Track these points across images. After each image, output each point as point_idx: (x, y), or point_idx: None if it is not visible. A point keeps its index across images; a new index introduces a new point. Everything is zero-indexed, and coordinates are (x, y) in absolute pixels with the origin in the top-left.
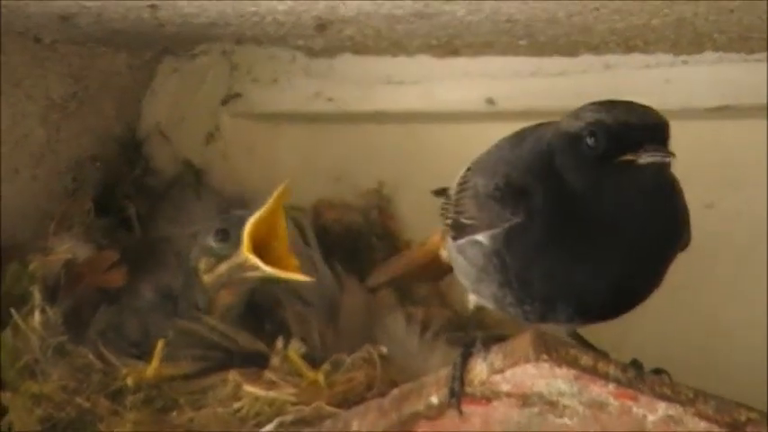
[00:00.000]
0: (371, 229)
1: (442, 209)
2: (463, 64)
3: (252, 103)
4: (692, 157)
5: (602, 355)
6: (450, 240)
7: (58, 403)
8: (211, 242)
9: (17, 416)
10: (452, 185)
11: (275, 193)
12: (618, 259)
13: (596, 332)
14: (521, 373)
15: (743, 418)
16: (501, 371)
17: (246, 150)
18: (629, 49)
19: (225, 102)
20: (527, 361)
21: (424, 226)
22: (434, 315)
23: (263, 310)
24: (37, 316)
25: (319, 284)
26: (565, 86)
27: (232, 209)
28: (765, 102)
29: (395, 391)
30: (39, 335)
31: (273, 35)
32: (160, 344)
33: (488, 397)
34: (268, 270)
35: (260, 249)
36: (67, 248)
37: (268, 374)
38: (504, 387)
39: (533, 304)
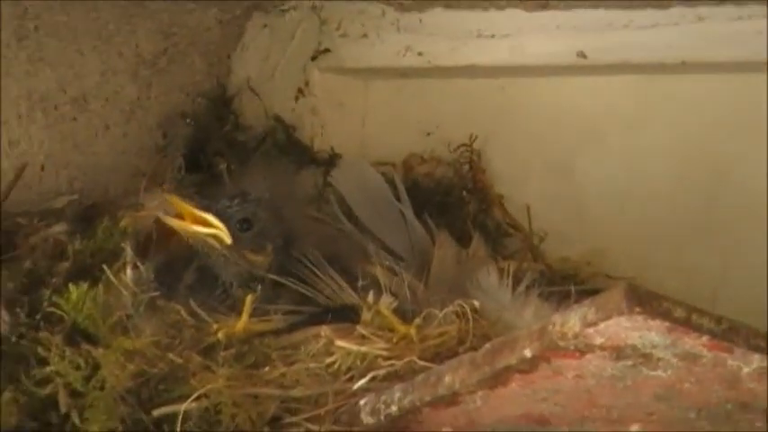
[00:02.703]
0: (462, 183)
1: None
2: (554, 17)
3: (341, 58)
4: None
5: (695, 307)
6: None
7: (151, 359)
8: None
9: (110, 371)
10: None
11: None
12: None
13: None
14: (614, 326)
15: None
16: (594, 324)
17: (336, 106)
18: (721, 0)
19: (314, 57)
20: (620, 314)
21: (514, 179)
22: (527, 269)
23: (353, 265)
24: (129, 272)
25: (410, 238)
26: (657, 39)
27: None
28: None
29: (487, 345)
30: (131, 291)
31: None
32: (249, 299)
33: (582, 350)
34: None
35: None
36: (159, 204)
37: (360, 329)
38: (598, 340)
39: None
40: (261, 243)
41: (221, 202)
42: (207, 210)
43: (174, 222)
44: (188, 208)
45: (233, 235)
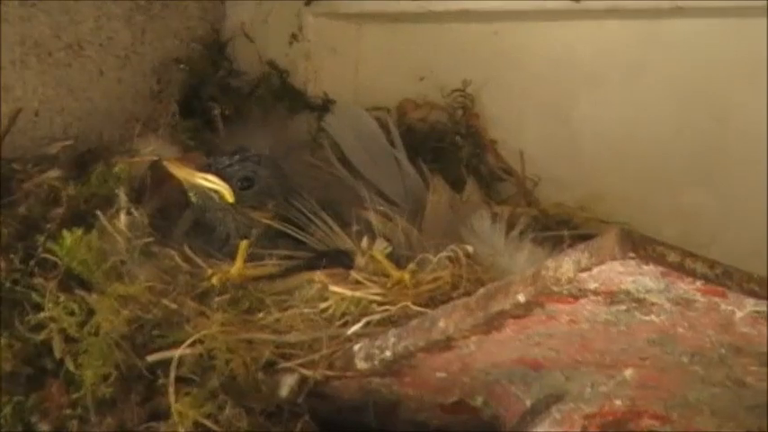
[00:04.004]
0: (456, 128)
1: None
2: None
3: (335, 2)
4: None
5: (689, 251)
6: None
7: (145, 305)
8: None
9: (104, 317)
10: None
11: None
12: None
13: None
14: (608, 271)
15: None
16: (588, 269)
17: (330, 51)
18: None
19: (308, 2)
20: (614, 258)
21: (508, 124)
22: (520, 213)
23: (347, 211)
24: (123, 217)
25: (404, 184)
26: None
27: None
28: None
29: (481, 290)
30: (125, 236)
31: None
32: (243, 244)
33: (575, 295)
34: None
35: None
36: (153, 150)
37: (354, 275)
38: (592, 285)
39: None
40: (262, 200)
41: (221, 161)
42: (207, 170)
43: (180, 171)
44: (189, 171)
45: (234, 193)
